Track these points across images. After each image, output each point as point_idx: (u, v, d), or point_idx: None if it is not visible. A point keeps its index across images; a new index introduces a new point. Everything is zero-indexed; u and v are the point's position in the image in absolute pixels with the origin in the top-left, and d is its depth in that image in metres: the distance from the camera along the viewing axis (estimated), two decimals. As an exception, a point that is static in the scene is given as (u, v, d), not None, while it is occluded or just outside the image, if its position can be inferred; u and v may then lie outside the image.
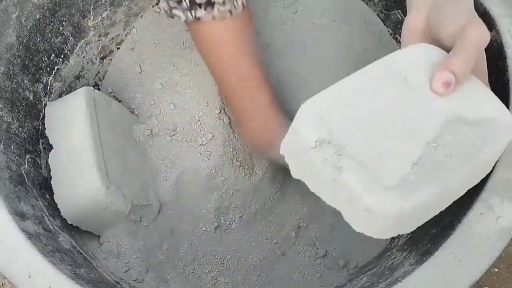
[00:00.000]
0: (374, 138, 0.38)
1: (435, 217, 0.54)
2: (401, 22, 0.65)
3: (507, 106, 0.47)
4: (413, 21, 0.46)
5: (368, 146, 0.38)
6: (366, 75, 0.41)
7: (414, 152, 0.38)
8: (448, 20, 0.43)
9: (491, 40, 0.50)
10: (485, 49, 0.52)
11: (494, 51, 0.50)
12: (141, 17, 0.73)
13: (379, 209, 0.36)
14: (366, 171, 0.37)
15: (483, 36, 0.40)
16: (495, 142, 0.39)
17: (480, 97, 0.41)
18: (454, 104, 0.40)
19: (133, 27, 0.73)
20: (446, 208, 0.52)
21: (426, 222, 0.56)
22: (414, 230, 0.57)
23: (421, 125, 0.39)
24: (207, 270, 0.64)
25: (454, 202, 0.51)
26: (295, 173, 0.41)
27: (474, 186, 0.48)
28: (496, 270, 0.76)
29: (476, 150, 0.39)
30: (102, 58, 0.72)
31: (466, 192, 0.49)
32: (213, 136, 0.67)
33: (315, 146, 0.37)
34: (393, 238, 0.62)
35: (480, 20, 0.42)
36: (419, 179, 0.37)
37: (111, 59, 0.72)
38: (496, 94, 0.48)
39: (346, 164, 0.37)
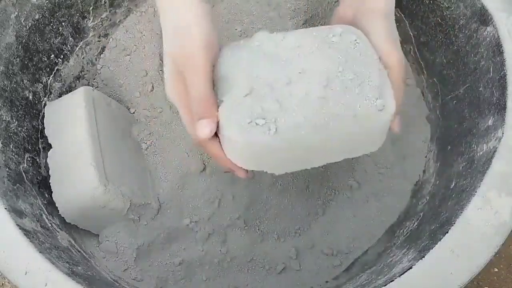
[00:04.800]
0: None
1: (434, 213, 0.54)
2: (399, 20, 0.66)
3: (505, 100, 0.46)
4: (341, 15, 0.51)
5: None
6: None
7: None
8: (370, 34, 0.47)
9: (488, 34, 0.51)
10: (483, 44, 0.52)
11: (492, 46, 0.50)
12: (140, 18, 0.73)
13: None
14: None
15: (402, 65, 0.47)
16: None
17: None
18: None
19: (132, 28, 0.73)
20: (445, 204, 0.52)
21: (426, 219, 0.56)
22: (414, 228, 0.58)
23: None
24: (206, 271, 0.64)
25: (452, 197, 0.51)
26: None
27: (472, 180, 0.47)
28: (496, 270, 0.75)
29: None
30: (102, 59, 0.72)
31: (464, 187, 0.49)
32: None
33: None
34: (392, 236, 0.62)
35: (394, 42, 0.47)
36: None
37: (110, 60, 0.72)
38: (494, 89, 0.48)
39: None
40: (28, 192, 0.56)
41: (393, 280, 0.43)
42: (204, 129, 0.44)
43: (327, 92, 0.42)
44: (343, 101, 0.42)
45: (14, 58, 0.59)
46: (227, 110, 0.43)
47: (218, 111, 0.44)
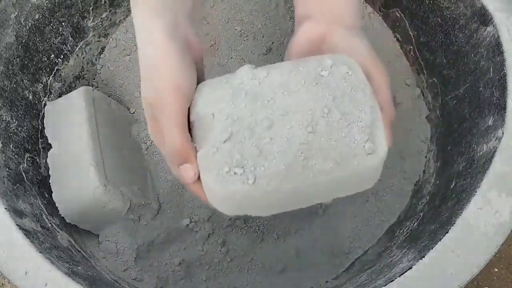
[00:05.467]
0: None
1: (434, 213, 0.54)
2: (399, 20, 0.66)
3: (505, 100, 0.46)
4: (307, 35, 0.47)
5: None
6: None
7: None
8: (346, 49, 0.44)
9: (488, 34, 0.51)
10: (483, 44, 0.52)
11: (492, 46, 0.50)
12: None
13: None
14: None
15: (387, 77, 0.44)
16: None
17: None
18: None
19: (132, 28, 0.73)
20: (445, 204, 0.52)
21: (426, 219, 0.56)
22: (414, 228, 0.58)
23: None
24: (206, 271, 0.64)
25: (452, 197, 0.51)
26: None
27: (472, 180, 0.47)
28: (496, 270, 0.75)
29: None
30: (102, 59, 0.72)
31: (464, 187, 0.49)
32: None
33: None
34: (393, 236, 0.62)
35: (374, 54, 0.45)
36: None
37: (110, 60, 0.72)
38: (494, 89, 0.48)
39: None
40: (28, 192, 0.56)
41: (393, 280, 0.43)
42: (188, 175, 0.41)
43: (309, 138, 0.39)
44: (327, 146, 0.39)
45: (14, 58, 0.59)
46: (205, 157, 0.41)
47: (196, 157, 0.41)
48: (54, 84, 0.66)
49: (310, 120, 0.40)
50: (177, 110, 0.41)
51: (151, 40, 0.41)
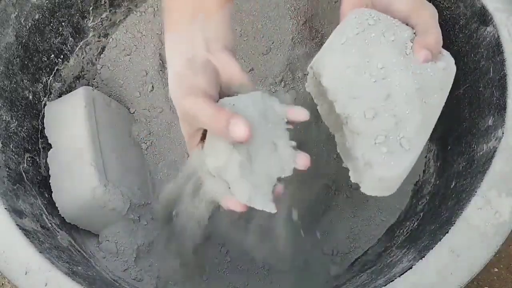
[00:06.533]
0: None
1: (434, 213, 0.54)
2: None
3: (505, 100, 0.46)
4: None
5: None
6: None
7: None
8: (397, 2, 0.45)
9: (488, 34, 0.51)
10: (483, 44, 0.52)
11: (492, 46, 0.50)
12: (140, 18, 0.73)
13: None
14: None
15: (435, 11, 0.44)
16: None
17: None
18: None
19: (132, 28, 0.73)
20: (445, 204, 0.52)
21: (426, 219, 0.56)
22: (414, 228, 0.58)
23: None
24: (206, 271, 0.64)
25: (452, 197, 0.51)
26: None
27: (472, 180, 0.48)
28: (496, 270, 0.75)
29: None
30: (102, 59, 0.72)
31: (464, 187, 0.49)
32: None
33: None
34: (393, 236, 0.62)
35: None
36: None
37: (110, 60, 0.72)
38: (494, 89, 0.48)
39: None
40: (28, 192, 0.56)
41: (393, 280, 0.43)
42: (240, 125, 0.39)
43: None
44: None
45: (14, 58, 0.59)
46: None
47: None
48: (54, 84, 0.66)
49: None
50: (201, 99, 0.41)
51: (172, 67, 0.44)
